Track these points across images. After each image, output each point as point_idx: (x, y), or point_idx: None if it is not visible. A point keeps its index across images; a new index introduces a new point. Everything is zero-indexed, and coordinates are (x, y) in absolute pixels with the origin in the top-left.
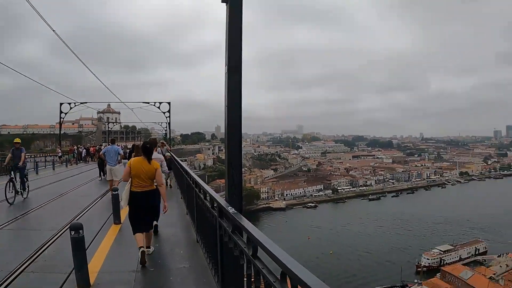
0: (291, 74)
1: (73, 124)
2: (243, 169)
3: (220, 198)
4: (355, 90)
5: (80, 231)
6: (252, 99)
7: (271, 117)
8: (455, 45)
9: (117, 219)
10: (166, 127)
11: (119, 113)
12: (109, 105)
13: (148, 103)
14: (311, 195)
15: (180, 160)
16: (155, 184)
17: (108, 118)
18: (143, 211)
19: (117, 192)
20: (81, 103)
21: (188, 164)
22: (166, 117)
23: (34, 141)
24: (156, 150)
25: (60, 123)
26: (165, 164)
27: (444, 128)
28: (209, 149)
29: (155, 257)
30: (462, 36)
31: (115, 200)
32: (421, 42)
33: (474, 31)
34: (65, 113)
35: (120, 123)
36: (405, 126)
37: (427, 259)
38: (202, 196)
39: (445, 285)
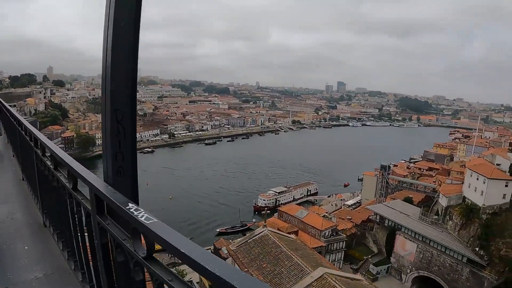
0: None
1: None
2: (77, 114)
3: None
4: (196, 35)
5: None
6: (89, 39)
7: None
8: (298, 3)
9: None
10: None
11: None
12: None
13: None
14: (148, 139)
15: (9, 106)
16: None
17: None
18: None
19: None
20: None
21: (17, 110)
22: None
23: None
24: None
25: None
26: None
27: (280, 79)
28: (40, 92)
29: None
30: None
31: None
32: None
33: None
34: None
35: None
36: (242, 74)
37: (263, 200)
38: (49, 163)
39: (283, 224)
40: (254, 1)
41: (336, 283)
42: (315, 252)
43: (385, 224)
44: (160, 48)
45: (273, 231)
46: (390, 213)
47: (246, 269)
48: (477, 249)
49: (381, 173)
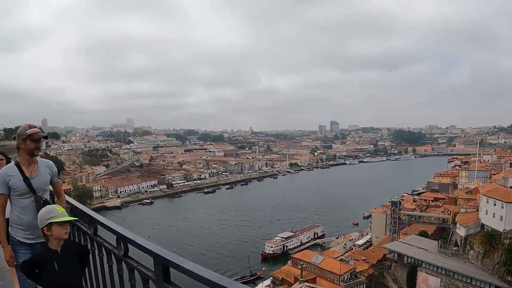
0: (119, 65)
1: None
2: (73, 166)
3: None
4: (184, 83)
5: None
6: (79, 91)
7: (100, 109)
8: (283, 45)
9: None
10: None
11: None
12: None
13: None
14: (146, 191)
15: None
16: None
17: None
18: None
19: None
20: None
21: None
22: None
23: None
24: None
25: None
26: None
27: (272, 123)
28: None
29: None
30: (290, 37)
31: None
32: (251, 40)
33: (302, 34)
34: None
35: None
36: (235, 120)
37: (271, 247)
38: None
39: (298, 271)
40: (237, 47)
41: None
42: None
43: (404, 262)
44: (150, 98)
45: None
46: (408, 249)
47: None
48: (504, 275)
49: (391, 209)
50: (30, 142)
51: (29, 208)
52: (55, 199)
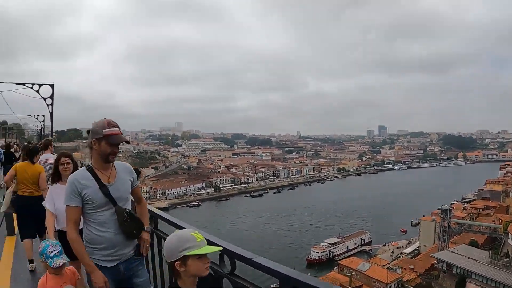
0: (167, 70)
1: None
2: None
3: None
4: (232, 88)
5: None
6: (128, 95)
7: (149, 113)
8: (330, 49)
9: (11, 230)
10: (44, 120)
11: None
12: None
13: (24, 84)
14: (193, 193)
15: None
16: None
17: None
18: (30, 216)
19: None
20: None
21: None
22: (48, 105)
23: None
24: (51, 151)
25: None
26: None
27: (320, 127)
28: (86, 147)
29: None
30: (337, 41)
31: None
32: (298, 44)
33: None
34: None
35: None
36: (282, 125)
37: (317, 252)
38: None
39: (345, 278)
40: (284, 52)
41: None
42: None
43: (453, 272)
44: (198, 102)
45: None
46: (457, 259)
47: None
48: None
49: (441, 217)
50: (105, 144)
51: (109, 223)
52: (136, 207)
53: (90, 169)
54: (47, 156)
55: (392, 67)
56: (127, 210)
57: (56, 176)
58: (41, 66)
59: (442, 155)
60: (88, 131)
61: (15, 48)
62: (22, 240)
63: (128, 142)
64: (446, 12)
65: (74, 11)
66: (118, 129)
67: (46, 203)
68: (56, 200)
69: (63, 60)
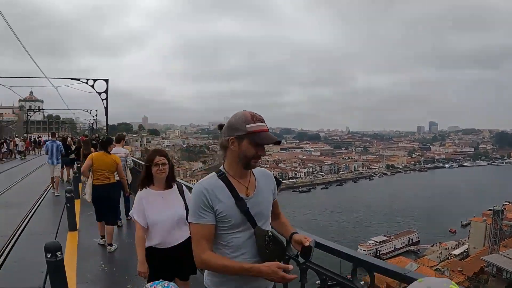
0: (216, 65)
1: None
2: (172, 161)
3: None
4: (280, 83)
5: (58, 253)
6: (177, 90)
7: (198, 108)
8: (380, 44)
9: (72, 225)
10: (96, 114)
11: (42, 101)
12: (31, 92)
13: (79, 79)
14: None
15: None
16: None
17: (30, 106)
18: (106, 202)
19: (71, 194)
20: None
21: None
22: (103, 100)
23: None
24: (122, 145)
25: None
26: (130, 159)
27: (369, 123)
28: (136, 140)
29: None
30: (387, 35)
31: (70, 203)
32: (346, 38)
33: (398, 31)
34: None
35: (43, 110)
36: (331, 120)
37: (363, 250)
38: None
39: (390, 279)
40: (333, 46)
41: None
42: None
43: (503, 276)
44: (247, 97)
45: None
46: (508, 263)
47: None
48: None
49: (493, 219)
50: (249, 144)
51: (245, 248)
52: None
53: (223, 177)
54: (118, 150)
55: (443, 61)
56: (270, 233)
57: (147, 180)
58: (92, 63)
59: (494, 153)
60: (221, 126)
61: (68, 47)
62: (97, 220)
63: (279, 143)
64: (498, 3)
65: (123, 9)
66: (265, 124)
67: (133, 214)
68: (148, 209)
69: (113, 57)
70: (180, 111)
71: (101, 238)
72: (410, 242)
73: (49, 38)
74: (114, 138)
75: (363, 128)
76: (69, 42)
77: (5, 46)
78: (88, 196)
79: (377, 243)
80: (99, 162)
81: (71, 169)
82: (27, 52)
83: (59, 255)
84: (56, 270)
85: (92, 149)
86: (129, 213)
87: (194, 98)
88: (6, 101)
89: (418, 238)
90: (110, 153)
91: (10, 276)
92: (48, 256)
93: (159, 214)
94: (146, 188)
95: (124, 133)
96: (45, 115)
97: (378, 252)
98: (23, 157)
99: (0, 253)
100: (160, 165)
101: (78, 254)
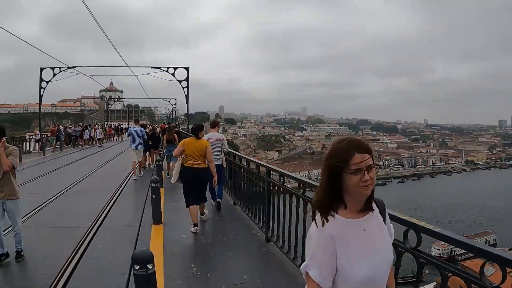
0: (291, 56)
1: (74, 102)
2: (247, 150)
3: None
4: (356, 73)
5: (149, 265)
6: (253, 81)
7: (273, 98)
8: (459, 31)
9: (157, 218)
10: (175, 103)
11: (121, 91)
12: (111, 83)
13: (160, 67)
14: (316, 178)
15: None
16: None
17: (110, 96)
18: (196, 185)
19: (157, 184)
20: (68, 67)
21: None
22: (183, 88)
23: (34, 120)
24: (217, 130)
25: (40, 95)
26: (226, 143)
27: (448, 115)
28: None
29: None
30: (467, 22)
31: (155, 194)
32: (424, 26)
33: (479, 17)
34: (47, 81)
35: (122, 99)
36: (409, 112)
37: (438, 249)
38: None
39: (463, 282)
40: (410, 35)
41: None
42: None
43: None
44: (322, 87)
45: None
46: None
47: None
48: None
49: None
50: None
51: None
52: None
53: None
54: (215, 135)
55: None
56: None
57: (334, 198)
58: (168, 55)
59: None
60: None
61: (143, 40)
62: (187, 206)
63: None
64: None
65: (193, 2)
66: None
67: (309, 267)
68: (346, 259)
69: (188, 48)
70: (256, 101)
71: (194, 226)
72: (487, 244)
73: (125, 32)
74: (209, 123)
75: (442, 121)
76: (144, 36)
77: (83, 40)
78: (174, 178)
79: None
80: (191, 147)
81: (154, 154)
82: (111, 43)
83: (150, 268)
84: (145, 284)
85: (175, 135)
86: (300, 267)
87: (270, 88)
88: (88, 92)
89: (495, 241)
90: (200, 138)
91: (87, 275)
92: (137, 268)
93: (370, 264)
94: (332, 216)
95: (218, 119)
96: (125, 105)
97: (453, 252)
98: (101, 145)
99: (77, 247)
100: (365, 171)
101: (164, 254)
